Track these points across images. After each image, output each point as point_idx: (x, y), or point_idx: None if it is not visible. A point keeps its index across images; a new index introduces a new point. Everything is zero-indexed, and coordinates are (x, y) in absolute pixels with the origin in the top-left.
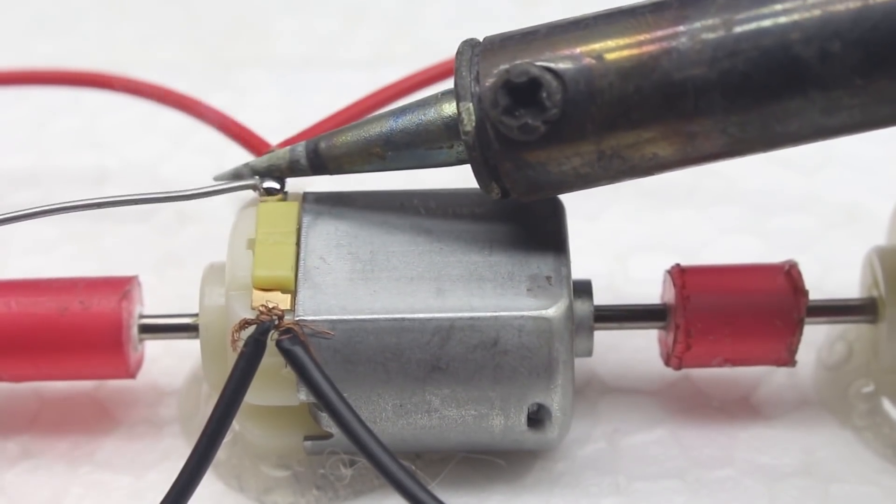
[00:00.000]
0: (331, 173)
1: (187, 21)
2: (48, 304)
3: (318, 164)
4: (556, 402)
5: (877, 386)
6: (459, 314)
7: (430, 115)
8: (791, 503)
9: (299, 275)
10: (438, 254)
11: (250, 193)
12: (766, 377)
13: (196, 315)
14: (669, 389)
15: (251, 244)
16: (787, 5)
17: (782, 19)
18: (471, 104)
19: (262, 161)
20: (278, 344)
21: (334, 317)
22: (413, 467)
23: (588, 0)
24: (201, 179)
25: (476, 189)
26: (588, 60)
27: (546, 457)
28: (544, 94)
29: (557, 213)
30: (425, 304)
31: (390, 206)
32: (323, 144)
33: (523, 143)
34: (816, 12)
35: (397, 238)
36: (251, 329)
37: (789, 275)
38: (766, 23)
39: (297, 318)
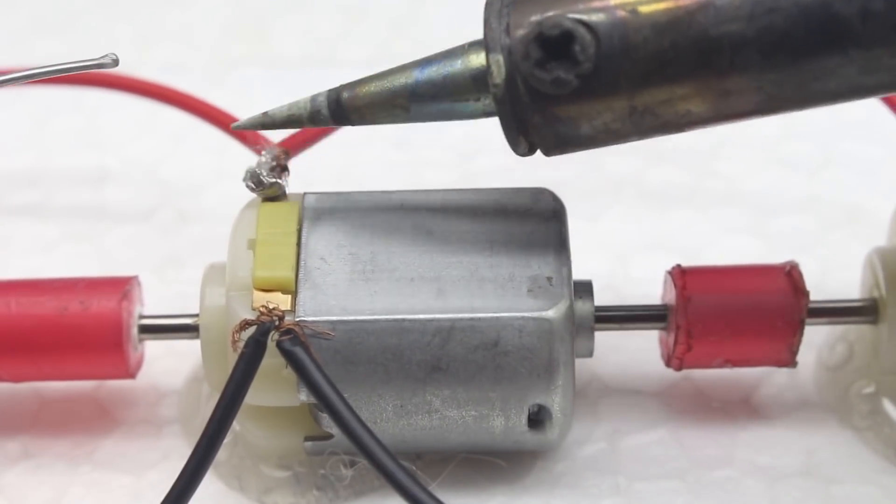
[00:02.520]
0: (353, 124)
1: (187, 21)
2: (48, 305)
3: (340, 114)
4: (556, 402)
5: (877, 387)
6: (460, 315)
7: (457, 66)
8: (791, 503)
9: (300, 275)
10: (439, 254)
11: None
12: (767, 378)
13: (196, 315)
14: (670, 390)
15: (252, 244)
16: None
17: None
18: (500, 56)
19: (283, 110)
20: (279, 345)
21: (335, 317)
22: (413, 468)
23: None
24: (202, 178)
25: (477, 189)
26: (622, 14)
27: (546, 457)
28: (577, 48)
29: (558, 213)
30: (426, 304)
31: (391, 206)
32: (346, 94)
33: (554, 97)
34: None
35: (398, 239)
36: (252, 330)
37: (790, 275)
38: None
39: (298, 319)
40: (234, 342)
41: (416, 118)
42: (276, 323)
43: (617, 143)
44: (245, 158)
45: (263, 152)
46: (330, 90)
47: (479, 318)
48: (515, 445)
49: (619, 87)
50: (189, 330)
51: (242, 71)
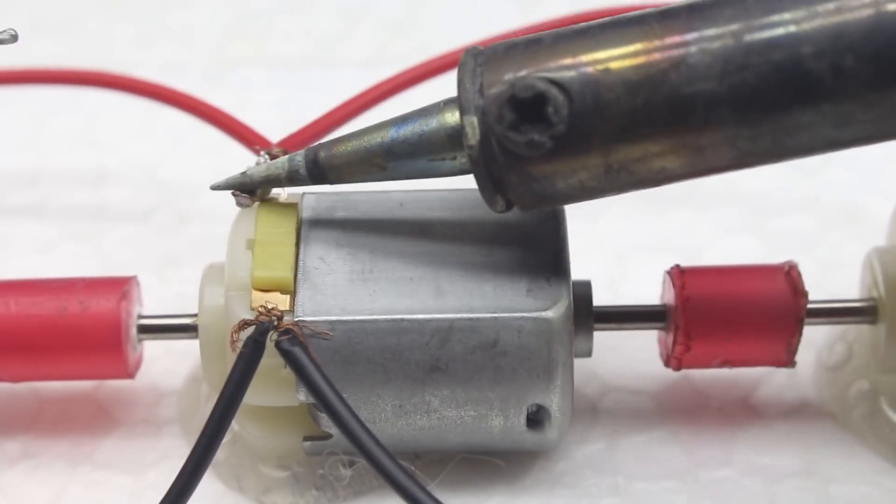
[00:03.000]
0: (331, 183)
1: (187, 21)
2: (47, 305)
3: (318, 173)
4: (555, 402)
5: (876, 386)
6: (459, 315)
7: (433, 125)
8: (791, 503)
9: (298, 275)
10: (438, 254)
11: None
12: (766, 378)
13: (195, 315)
14: (669, 390)
15: (250, 245)
16: (798, 14)
17: (793, 30)
18: (475, 118)
19: (261, 170)
20: (277, 345)
21: (333, 317)
22: (412, 468)
23: None
24: (201, 178)
25: (476, 189)
26: (595, 72)
27: (545, 457)
28: (550, 110)
29: (557, 213)
30: (425, 304)
31: (390, 206)
32: (322, 154)
33: (529, 157)
34: (828, 25)
35: (397, 239)
36: (250, 329)
37: (789, 276)
38: (777, 35)
39: (297, 319)
40: (233, 342)
41: (393, 176)
42: (275, 323)
43: (595, 198)
44: (244, 158)
45: (262, 153)
46: (307, 149)
47: (478, 318)
48: (514, 445)
49: (593, 145)
50: (188, 330)
51: (242, 71)
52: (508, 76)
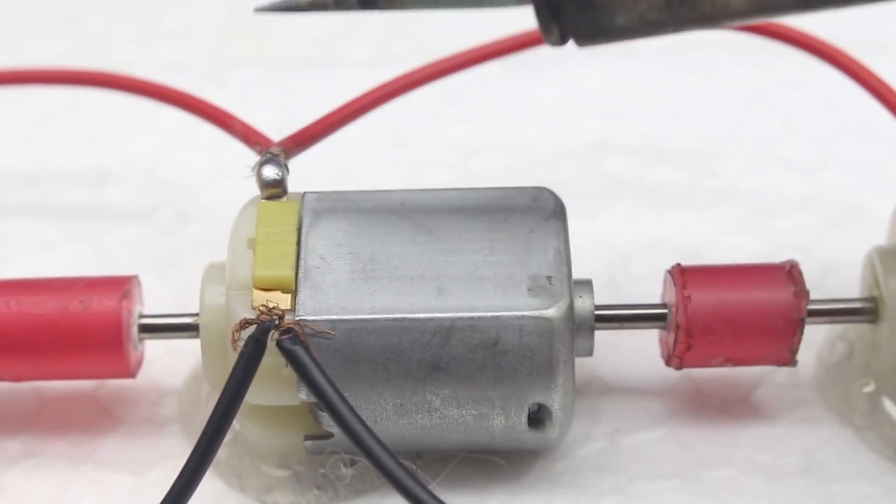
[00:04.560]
0: (380, 8)
1: (187, 20)
2: (48, 304)
3: None
4: (556, 401)
5: (878, 385)
6: (460, 314)
7: None
8: (792, 503)
9: (300, 274)
10: (439, 253)
11: (252, 193)
12: (767, 377)
13: (196, 315)
14: (670, 389)
15: (251, 244)
16: None
17: None
18: None
19: None
20: (279, 344)
21: (335, 316)
22: (414, 467)
23: None
24: (201, 177)
25: (477, 188)
26: None
27: (546, 456)
28: None
29: (558, 212)
30: (426, 303)
31: (391, 205)
32: None
33: None
34: None
35: (398, 237)
36: (251, 329)
37: (790, 275)
38: None
39: (298, 318)
40: (234, 341)
41: (445, 3)
42: (276, 322)
43: (652, 36)
44: (245, 157)
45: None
46: None
47: (479, 318)
48: (515, 444)
49: None
50: (189, 329)
51: (242, 71)
52: None
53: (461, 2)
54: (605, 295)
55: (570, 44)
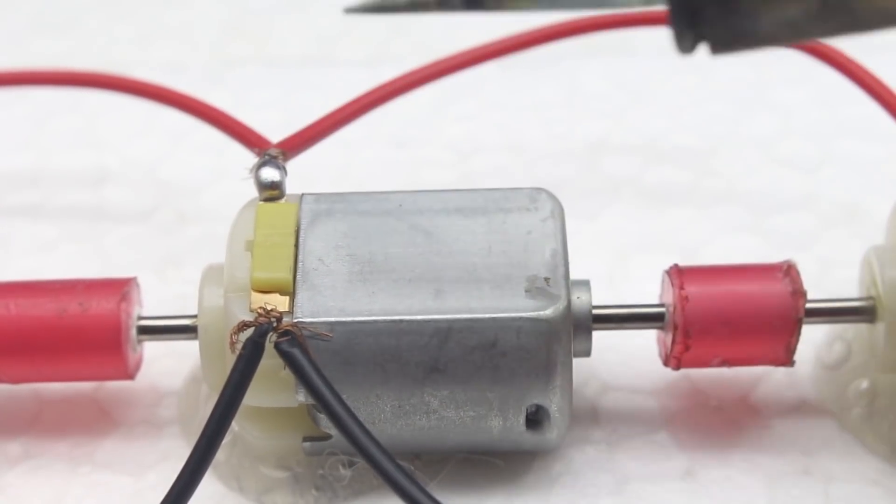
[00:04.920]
0: (487, 9)
1: (187, 20)
2: (47, 306)
3: None
4: (554, 402)
5: (875, 385)
6: (458, 315)
7: None
8: (790, 503)
9: (298, 276)
10: (437, 255)
11: (251, 194)
12: (765, 377)
13: (195, 316)
14: (668, 389)
15: (249, 246)
16: None
17: None
18: None
19: None
20: (277, 346)
21: (333, 318)
22: (412, 468)
23: None
24: (201, 178)
25: (475, 190)
26: None
27: (545, 457)
28: None
29: (556, 213)
30: (424, 305)
31: (389, 207)
32: None
33: None
34: None
35: (396, 239)
36: (250, 331)
37: (788, 275)
38: None
39: (296, 320)
40: (233, 343)
41: (564, 3)
42: (274, 324)
43: (796, 41)
44: (244, 158)
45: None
46: None
47: (477, 319)
48: (514, 445)
49: None
50: (187, 331)
51: (242, 71)
52: None
53: (581, 3)
54: (603, 295)
55: (569, 42)
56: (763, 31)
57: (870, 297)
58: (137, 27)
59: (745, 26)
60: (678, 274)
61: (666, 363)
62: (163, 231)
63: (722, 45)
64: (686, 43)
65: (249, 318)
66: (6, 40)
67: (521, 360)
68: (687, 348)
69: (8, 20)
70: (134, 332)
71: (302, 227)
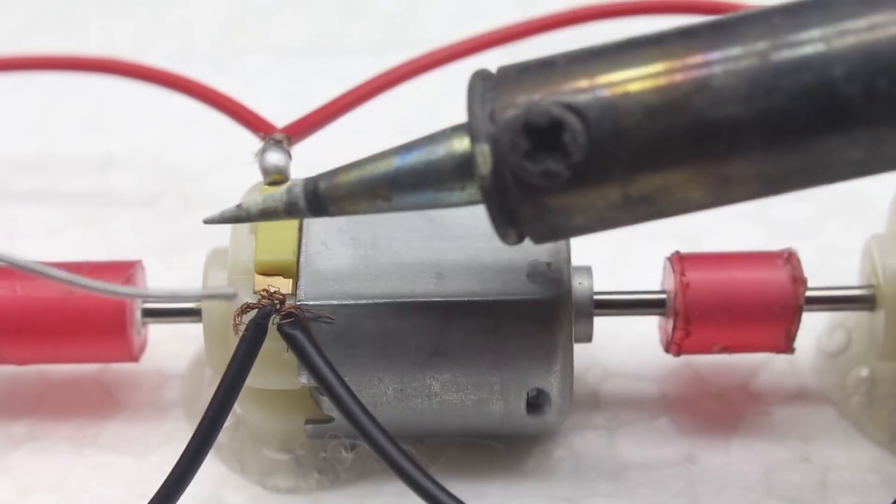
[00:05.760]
0: (332, 215)
1: (192, 9)
2: (52, 288)
3: (318, 206)
4: (555, 387)
5: (875, 373)
6: (460, 299)
7: (440, 153)
8: (789, 489)
9: (301, 260)
10: (439, 239)
11: (257, 179)
12: (766, 364)
13: (199, 299)
14: (669, 376)
15: (254, 229)
16: (828, 32)
17: (823, 50)
18: (486, 146)
19: (257, 202)
20: (280, 328)
21: (335, 301)
22: (413, 451)
23: None
24: (207, 164)
25: None
26: (613, 96)
27: (546, 442)
28: (567, 137)
29: None
30: (426, 288)
31: None
32: (323, 185)
33: (544, 188)
34: (860, 44)
35: (399, 223)
36: (253, 313)
37: (788, 262)
38: (806, 55)
39: (299, 303)
40: (236, 326)
41: (397, 207)
42: (277, 307)
43: (612, 229)
44: (249, 144)
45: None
46: (307, 179)
47: (479, 302)
48: (515, 430)
49: (613, 174)
50: (192, 314)
51: (246, 59)
52: (521, 101)
53: (414, 205)
54: (604, 281)
55: (573, 31)
56: (577, 225)
57: (870, 286)
58: (137, 25)
59: (560, 222)
60: (679, 260)
61: (667, 349)
62: (168, 216)
63: (543, 238)
64: (510, 238)
65: (253, 300)
66: (5, 39)
67: (522, 344)
68: (688, 335)
69: (7, 19)
70: (139, 314)
71: None
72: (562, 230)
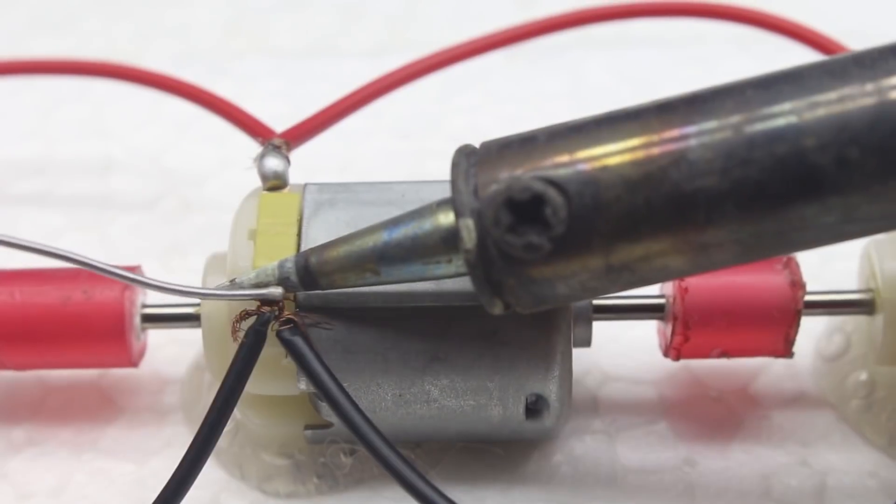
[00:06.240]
0: (322, 289)
1: (190, 12)
2: (51, 294)
3: (309, 280)
4: (554, 392)
5: (874, 377)
6: (459, 304)
7: (426, 227)
8: (788, 494)
9: None
10: None
11: (256, 183)
12: (764, 368)
13: (198, 304)
14: (668, 380)
15: (252, 234)
16: (799, 105)
17: (795, 122)
18: (470, 220)
19: (250, 279)
20: (278, 334)
21: (334, 307)
22: (412, 456)
23: None
24: (206, 167)
25: None
26: (593, 170)
27: (544, 447)
28: (549, 211)
29: None
30: (425, 294)
31: (392, 197)
32: (314, 260)
33: (528, 260)
34: (831, 115)
35: None
36: (252, 319)
37: (787, 266)
38: (779, 127)
39: (298, 309)
40: (235, 332)
41: (386, 280)
42: (276, 313)
43: (595, 297)
44: (248, 148)
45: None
46: (298, 255)
47: (478, 308)
48: (513, 435)
49: (594, 246)
50: (191, 319)
51: (246, 61)
52: (504, 176)
53: (402, 278)
54: None
55: (573, 34)
56: (562, 294)
57: (869, 290)
58: (136, 28)
59: (545, 292)
60: None
61: (666, 354)
62: (167, 220)
63: (528, 307)
64: (497, 308)
65: (252, 306)
66: (5, 40)
67: (521, 349)
68: (686, 339)
69: (7, 20)
70: (138, 319)
71: (305, 216)
72: (546, 299)
